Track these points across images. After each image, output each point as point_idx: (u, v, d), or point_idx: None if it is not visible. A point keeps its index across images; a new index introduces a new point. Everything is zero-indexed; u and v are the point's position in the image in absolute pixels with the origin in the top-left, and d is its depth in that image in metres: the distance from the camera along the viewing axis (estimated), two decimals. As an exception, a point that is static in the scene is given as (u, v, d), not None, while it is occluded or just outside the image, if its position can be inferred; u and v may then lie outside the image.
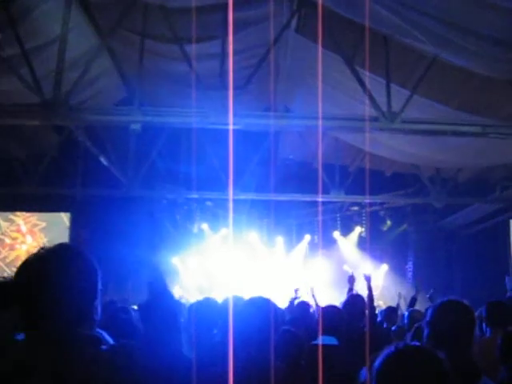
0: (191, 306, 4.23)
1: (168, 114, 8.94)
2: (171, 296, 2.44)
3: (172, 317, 2.22)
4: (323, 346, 3.26)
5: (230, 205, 13.24)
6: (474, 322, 2.91)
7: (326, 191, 13.98)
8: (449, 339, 2.19)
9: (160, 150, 13.21)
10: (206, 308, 3.73)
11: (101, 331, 2.73)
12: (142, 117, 8.77)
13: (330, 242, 18.15)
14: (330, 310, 4.16)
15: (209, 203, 17.23)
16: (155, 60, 9.72)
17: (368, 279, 6.79)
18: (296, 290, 8.73)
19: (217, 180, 12.99)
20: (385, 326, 6.82)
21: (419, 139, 10.31)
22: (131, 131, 9.44)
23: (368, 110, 8.72)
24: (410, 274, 17.57)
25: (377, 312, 7.78)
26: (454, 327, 2.70)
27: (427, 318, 2.92)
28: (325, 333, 3.87)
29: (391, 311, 7.70)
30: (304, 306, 7.54)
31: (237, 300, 2.86)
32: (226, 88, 8.64)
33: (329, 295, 13.47)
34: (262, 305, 2.51)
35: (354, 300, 5.08)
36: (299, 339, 3.28)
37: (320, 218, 17.93)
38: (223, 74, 8.70)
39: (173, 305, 2.31)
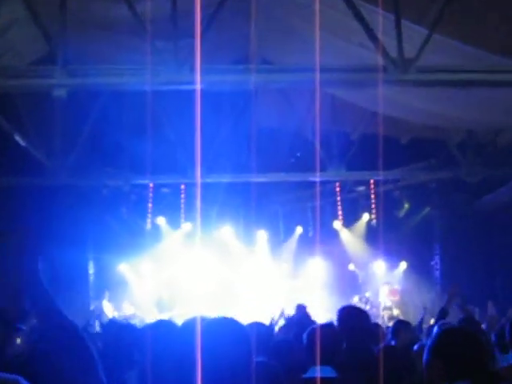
0: (140, 331, 4.22)
1: (103, 74, 8.89)
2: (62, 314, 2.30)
3: (79, 340, 2.14)
4: (316, 379, 3.24)
5: (198, 191, 13.20)
6: (487, 355, 2.90)
7: (321, 168, 14.00)
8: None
9: (96, 123, 13.12)
10: (159, 334, 3.70)
11: (17, 377, 2.69)
12: (67, 79, 8.71)
13: (329, 235, 18.20)
14: (323, 331, 4.15)
15: (165, 190, 17.18)
16: (84, 3, 9.63)
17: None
18: (282, 313, 8.61)
19: (175, 160, 12.97)
20: (393, 344, 6.81)
21: (443, 93, 10.35)
22: (55, 99, 9.37)
23: (374, 58, 8.73)
24: (437, 273, 17.67)
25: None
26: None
27: (424, 358, 2.92)
28: (320, 362, 3.86)
29: (400, 326, 7.62)
30: (303, 323, 7.44)
31: (203, 322, 2.82)
32: (180, 36, 8.56)
33: (330, 306, 13.55)
34: (232, 330, 2.48)
35: (348, 313, 5.06)
36: (276, 374, 3.26)
37: (317, 203, 17.94)
38: (176, 16, 8.61)
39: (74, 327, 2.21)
